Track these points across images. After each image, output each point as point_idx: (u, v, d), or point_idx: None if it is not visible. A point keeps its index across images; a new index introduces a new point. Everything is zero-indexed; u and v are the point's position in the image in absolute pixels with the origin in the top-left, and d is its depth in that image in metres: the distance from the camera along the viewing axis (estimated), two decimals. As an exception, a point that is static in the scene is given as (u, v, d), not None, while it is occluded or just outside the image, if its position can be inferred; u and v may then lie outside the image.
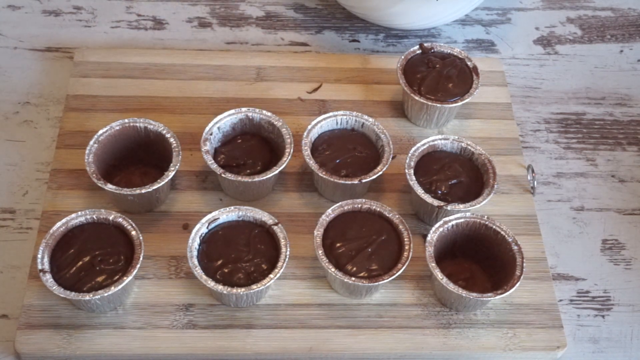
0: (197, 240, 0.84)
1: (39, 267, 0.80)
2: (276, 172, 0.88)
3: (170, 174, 0.87)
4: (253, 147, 0.92)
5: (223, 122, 0.92)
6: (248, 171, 0.90)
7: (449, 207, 0.87)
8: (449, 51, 1.00)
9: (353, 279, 0.82)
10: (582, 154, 1.03)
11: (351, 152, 0.92)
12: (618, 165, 1.02)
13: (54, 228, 0.82)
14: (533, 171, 0.95)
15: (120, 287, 0.79)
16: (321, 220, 0.86)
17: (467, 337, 0.84)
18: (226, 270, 0.82)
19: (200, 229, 0.84)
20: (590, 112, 1.07)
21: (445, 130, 0.99)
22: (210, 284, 0.80)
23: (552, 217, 0.97)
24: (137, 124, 0.91)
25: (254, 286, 0.80)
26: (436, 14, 1.06)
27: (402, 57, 0.99)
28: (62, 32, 1.09)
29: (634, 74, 1.11)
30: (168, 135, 0.90)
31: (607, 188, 1.00)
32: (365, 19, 1.11)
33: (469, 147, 0.93)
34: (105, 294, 0.79)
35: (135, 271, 0.80)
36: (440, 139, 0.93)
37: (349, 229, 0.86)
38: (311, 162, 0.90)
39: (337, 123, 0.94)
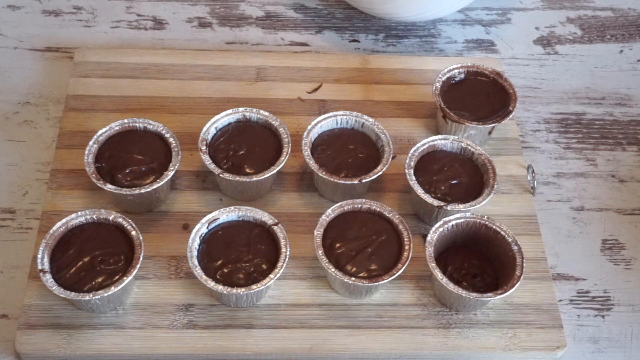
0: (197, 240, 0.84)
1: (39, 267, 0.80)
2: (274, 171, 0.88)
3: (170, 174, 0.87)
4: (252, 135, 0.92)
5: (220, 122, 0.92)
6: (246, 156, 0.90)
7: (449, 207, 0.87)
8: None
9: (353, 279, 0.82)
10: (582, 154, 1.02)
11: (351, 152, 0.92)
12: (618, 165, 1.02)
13: (54, 228, 0.82)
14: (533, 171, 0.95)
15: (120, 287, 0.79)
16: (321, 220, 0.86)
17: (467, 337, 0.84)
18: (226, 270, 0.82)
19: (200, 229, 0.84)
20: (590, 112, 1.07)
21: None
22: (210, 284, 0.80)
23: (552, 217, 0.96)
24: (137, 124, 0.91)
25: (254, 286, 0.80)
26: (441, 4, 1.05)
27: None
28: (62, 32, 1.09)
29: (634, 74, 1.11)
30: (167, 135, 0.90)
31: (607, 188, 1.00)
32: (368, 12, 1.10)
33: (469, 147, 0.92)
34: (105, 294, 0.79)
35: (135, 271, 0.80)
36: (440, 139, 0.93)
37: (349, 229, 0.85)
38: (311, 162, 0.90)
39: (337, 123, 0.94)
